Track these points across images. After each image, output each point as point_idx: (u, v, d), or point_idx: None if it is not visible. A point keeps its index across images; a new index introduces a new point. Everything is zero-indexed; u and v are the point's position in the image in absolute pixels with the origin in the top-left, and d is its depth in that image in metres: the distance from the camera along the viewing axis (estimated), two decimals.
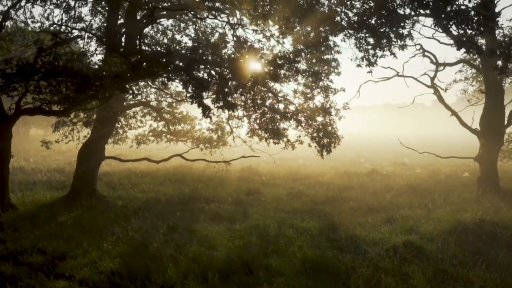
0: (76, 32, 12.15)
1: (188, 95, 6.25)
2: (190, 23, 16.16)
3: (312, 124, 12.24)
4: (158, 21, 15.28)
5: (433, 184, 14.13)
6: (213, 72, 7.77)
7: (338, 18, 9.68)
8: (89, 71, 6.14)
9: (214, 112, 8.67)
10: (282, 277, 5.85)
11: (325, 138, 11.93)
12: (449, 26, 6.77)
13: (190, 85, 6.03)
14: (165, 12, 11.12)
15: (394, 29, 8.12)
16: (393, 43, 8.18)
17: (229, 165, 18.26)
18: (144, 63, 6.54)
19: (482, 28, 6.64)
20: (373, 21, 7.75)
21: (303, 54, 12.15)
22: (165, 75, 7.25)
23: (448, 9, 6.44)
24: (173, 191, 13.42)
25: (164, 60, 6.15)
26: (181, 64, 6.62)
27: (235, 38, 13.66)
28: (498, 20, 6.55)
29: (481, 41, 13.34)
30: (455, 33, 7.15)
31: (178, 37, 16.25)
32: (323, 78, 12.06)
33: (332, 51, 13.16)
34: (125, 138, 17.49)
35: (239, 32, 13.84)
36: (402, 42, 8.06)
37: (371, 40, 7.99)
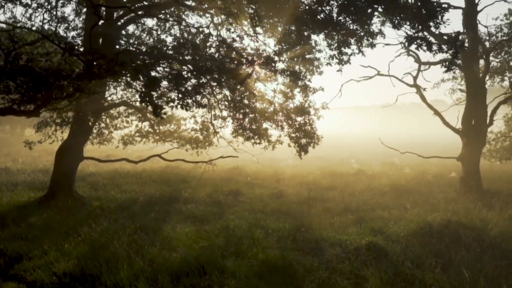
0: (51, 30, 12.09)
1: (137, 94, 6.18)
2: (175, 23, 16.11)
3: (291, 124, 12.16)
4: (142, 21, 15.26)
5: (418, 184, 13.99)
6: (187, 67, 7.64)
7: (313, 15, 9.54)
8: (42, 70, 6.07)
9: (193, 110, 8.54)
10: (234, 279, 5.76)
11: (304, 138, 11.84)
12: (396, 22, 6.66)
13: (142, 84, 5.96)
14: (140, 12, 11.03)
15: (365, 26, 7.99)
16: (364, 40, 8.04)
17: (215, 166, 18.24)
18: (104, 63, 6.47)
19: (427, 24, 6.50)
20: (341, 18, 7.62)
21: (285, 54, 12.10)
22: (129, 74, 7.17)
23: (397, 4, 6.32)
24: (154, 191, 13.36)
25: (122, 59, 6.08)
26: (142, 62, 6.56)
27: (219, 38, 13.60)
28: (443, 15, 6.41)
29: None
30: (403, 29, 7.04)
31: (163, 36, 16.24)
32: (301, 77, 11.99)
33: (313, 50, 13.11)
34: (111, 138, 17.44)
35: (224, 32, 13.68)
36: (371, 40, 7.93)
37: (339, 38, 7.84)
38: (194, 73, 7.41)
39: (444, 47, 6.87)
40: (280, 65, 12.54)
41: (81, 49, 9.24)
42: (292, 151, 11.85)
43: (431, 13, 6.23)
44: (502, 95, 12.58)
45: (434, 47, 6.83)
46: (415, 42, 6.79)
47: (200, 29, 14.41)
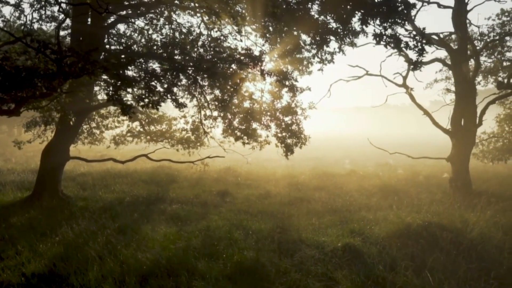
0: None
1: (105, 92, 6.10)
2: (167, 23, 16.06)
3: (279, 124, 12.08)
4: (133, 20, 15.21)
5: (407, 185, 13.86)
6: (165, 66, 7.56)
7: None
8: (12, 69, 6.01)
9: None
10: (203, 281, 5.68)
11: (291, 138, 11.75)
12: (367, 19, 6.55)
13: (111, 83, 5.90)
14: (124, 12, 10.98)
15: (347, 26, 7.89)
16: (346, 39, 7.94)
17: (207, 166, 18.19)
18: (80, 62, 6.40)
19: (390, 20, 6.38)
20: (321, 17, 7.53)
21: (273, 53, 12.02)
22: (104, 73, 7.10)
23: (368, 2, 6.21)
24: (142, 191, 13.30)
25: (95, 58, 6.01)
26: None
27: (209, 38, 13.54)
28: (408, 11, 6.27)
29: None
30: (372, 27, 6.95)
31: (155, 36, 16.19)
32: (288, 77, 11.90)
33: (302, 49, 13.02)
34: (102, 138, 17.41)
35: (213, 32, 13.63)
36: (353, 39, 7.82)
37: (317, 36, 7.75)
38: (171, 71, 7.33)
39: (411, 44, 6.77)
40: (268, 65, 12.51)
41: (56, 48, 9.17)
42: (278, 151, 11.75)
43: (394, 9, 6.11)
44: (492, 95, 12.44)
45: (402, 45, 6.72)
46: (383, 40, 6.69)
47: (192, 29, 14.38)
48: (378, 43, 6.72)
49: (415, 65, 6.94)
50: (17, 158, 21.85)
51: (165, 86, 7.25)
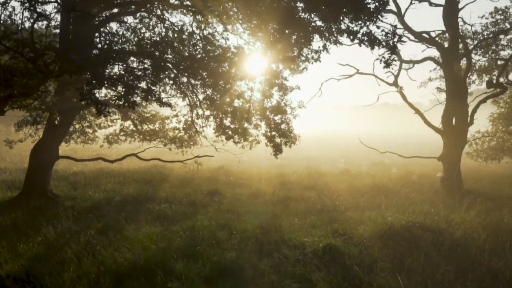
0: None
1: (79, 92, 6.04)
2: (159, 22, 16.00)
3: (268, 123, 12.01)
4: (124, 19, 15.14)
5: (399, 184, 13.78)
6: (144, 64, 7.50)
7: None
8: None
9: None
10: (179, 282, 5.63)
11: (280, 137, 11.69)
12: (340, 18, 6.48)
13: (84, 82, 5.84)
14: (107, 13, 10.92)
15: (333, 24, 7.80)
16: (331, 38, 7.84)
17: (200, 165, 18.13)
18: (56, 61, 6.35)
19: (355, 17, 6.31)
20: (305, 15, 7.45)
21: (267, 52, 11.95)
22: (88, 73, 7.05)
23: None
24: (133, 191, 13.25)
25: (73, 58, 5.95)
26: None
27: (198, 37, 13.48)
28: (376, 9, 6.17)
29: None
30: (344, 25, 6.84)
31: (147, 35, 16.12)
32: (278, 76, 11.84)
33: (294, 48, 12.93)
34: (95, 137, 17.37)
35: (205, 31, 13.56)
36: (338, 37, 7.72)
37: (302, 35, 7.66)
38: (152, 70, 7.27)
39: (383, 42, 6.67)
40: (259, 64, 12.44)
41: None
42: (267, 150, 11.69)
43: (360, 7, 6.02)
44: (483, 94, 12.32)
45: (375, 43, 6.63)
46: (357, 38, 6.60)
47: (184, 28, 14.29)
48: (352, 40, 6.63)
49: (386, 63, 6.84)
50: (12, 157, 21.85)
51: (146, 85, 7.18)
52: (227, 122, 13.49)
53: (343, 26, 7.80)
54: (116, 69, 7.68)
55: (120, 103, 6.68)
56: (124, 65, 6.95)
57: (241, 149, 13.58)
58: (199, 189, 13.67)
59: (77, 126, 16.49)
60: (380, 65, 7.60)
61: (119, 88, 6.92)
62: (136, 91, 6.83)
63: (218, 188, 13.60)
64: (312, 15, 7.69)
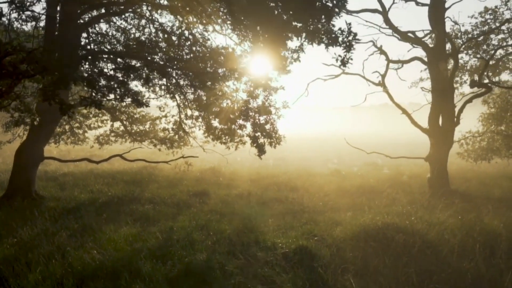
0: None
1: (42, 92, 6.02)
2: (149, 22, 15.99)
3: (254, 123, 11.98)
4: (114, 19, 15.14)
5: (387, 185, 13.68)
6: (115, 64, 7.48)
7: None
8: None
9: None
10: (144, 283, 5.58)
11: (265, 138, 11.65)
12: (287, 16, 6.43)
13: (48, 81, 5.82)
14: (94, 13, 10.91)
15: (323, 24, 7.72)
16: (322, 38, 7.74)
17: (191, 166, 18.12)
18: (23, 62, 6.33)
19: (310, 16, 6.24)
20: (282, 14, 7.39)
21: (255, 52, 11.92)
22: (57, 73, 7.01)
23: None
24: (119, 191, 13.22)
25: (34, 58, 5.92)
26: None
27: (190, 37, 13.46)
28: (328, 8, 6.10)
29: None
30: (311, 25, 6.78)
31: (138, 35, 16.13)
32: (264, 76, 11.80)
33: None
34: (85, 138, 17.39)
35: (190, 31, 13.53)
36: (318, 35, 7.63)
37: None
38: (120, 70, 7.24)
39: (340, 41, 6.60)
40: (247, 64, 12.41)
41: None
42: (250, 151, 11.66)
43: (311, 5, 5.96)
44: (470, 94, 12.21)
45: (332, 42, 6.57)
46: (315, 37, 6.54)
47: (174, 28, 14.27)
48: (310, 40, 6.56)
49: (342, 62, 6.77)
50: (5, 158, 21.90)
51: (117, 84, 7.16)
52: (215, 122, 13.48)
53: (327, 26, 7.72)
54: (87, 69, 7.67)
55: (85, 103, 6.65)
56: (92, 66, 6.91)
57: (229, 150, 13.56)
58: (186, 189, 13.63)
59: (66, 126, 16.52)
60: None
61: (85, 88, 6.90)
62: (103, 90, 6.81)
63: (206, 189, 13.54)
64: (288, 15, 7.63)
